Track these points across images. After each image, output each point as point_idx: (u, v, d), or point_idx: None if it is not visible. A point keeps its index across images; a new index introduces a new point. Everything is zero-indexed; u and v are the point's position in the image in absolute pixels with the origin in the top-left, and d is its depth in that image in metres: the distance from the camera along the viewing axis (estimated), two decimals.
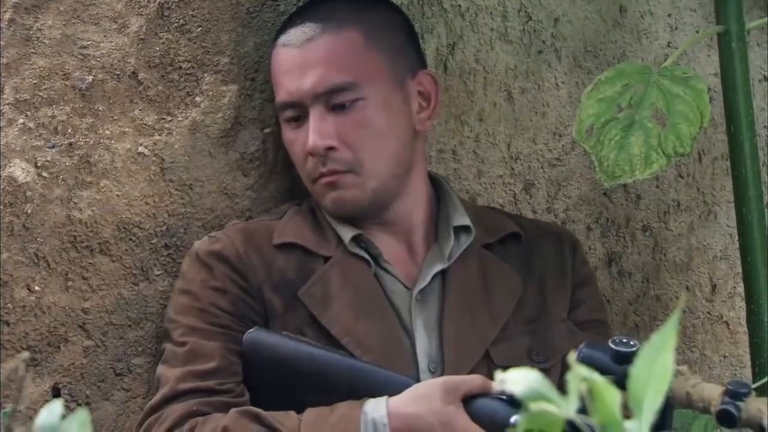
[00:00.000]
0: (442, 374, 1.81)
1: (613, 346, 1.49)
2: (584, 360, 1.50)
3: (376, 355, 1.79)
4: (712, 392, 1.38)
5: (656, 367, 0.88)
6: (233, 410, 1.70)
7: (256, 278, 1.82)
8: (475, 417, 1.68)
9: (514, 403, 1.66)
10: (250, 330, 1.77)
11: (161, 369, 1.80)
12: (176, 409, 1.74)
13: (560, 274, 1.93)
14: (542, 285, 1.91)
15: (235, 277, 1.82)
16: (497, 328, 1.85)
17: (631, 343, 1.50)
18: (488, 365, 1.82)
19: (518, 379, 0.92)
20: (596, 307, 1.95)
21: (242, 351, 1.77)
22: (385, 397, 1.68)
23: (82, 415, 0.92)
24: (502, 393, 1.68)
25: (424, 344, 1.83)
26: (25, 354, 1.76)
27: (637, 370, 0.89)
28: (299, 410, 1.72)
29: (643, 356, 0.89)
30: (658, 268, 2.29)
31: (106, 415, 1.87)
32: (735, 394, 1.46)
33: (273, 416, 1.69)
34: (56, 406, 0.90)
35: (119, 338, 1.90)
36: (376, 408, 1.66)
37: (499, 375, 0.94)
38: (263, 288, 1.82)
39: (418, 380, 1.79)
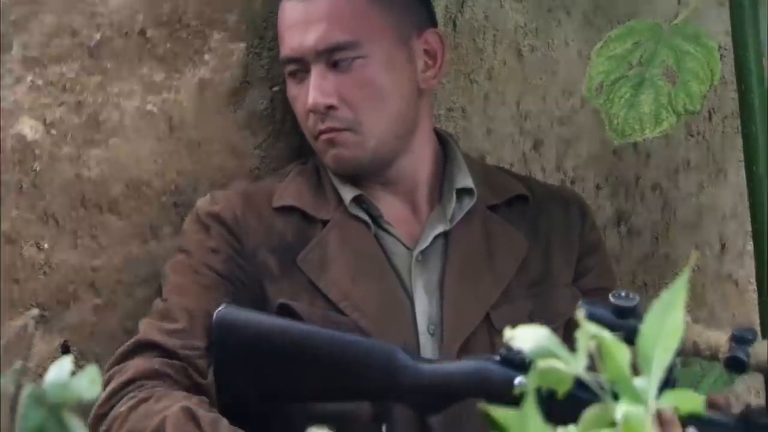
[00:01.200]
0: (441, 336, 1.80)
1: (614, 301, 1.49)
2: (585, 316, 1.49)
3: (374, 318, 1.79)
4: (718, 339, 1.38)
5: (666, 324, 0.88)
6: (179, 405, 1.68)
7: (251, 241, 1.81)
8: (468, 382, 1.67)
9: (509, 364, 1.65)
10: (220, 307, 1.74)
11: (145, 318, 1.81)
12: (138, 364, 1.74)
13: (567, 239, 1.91)
14: (547, 249, 1.90)
15: (230, 239, 1.81)
16: (499, 290, 1.84)
17: (631, 296, 1.50)
18: (488, 328, 1.81)
19: (527, 336, 0.92)
20: (604, 275, 1.93)
21: (213, 328, 1.74)
22: None
23: (91, 371, 0.92)
24: (495, 355, 1.68)
25: (424, 306, 1.82)
26: (34, 311, 1.76)
27: (646, 327, 0.89)
28: (277, 389, 1.72)
29: (653, 313, 0.88)
30: (667, 227, 2.29)
31: None
32: (742, 339, 1.46)
33: (209, 425, 1.67)
34: (66, 363, 0.91)
35: (129, 296, 1.91)
36: None
37: (507, 332, 0.94)
38: (259, 251, 1.81)
39: (417, 343, 1.78)
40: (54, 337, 1.86)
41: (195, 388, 1.76)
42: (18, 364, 0.96)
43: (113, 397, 1.72)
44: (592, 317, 1.44)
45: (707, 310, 2.30)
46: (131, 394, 1.72)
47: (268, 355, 1.72)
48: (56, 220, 1.85)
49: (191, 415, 1.67)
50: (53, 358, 1.77)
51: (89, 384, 0.90)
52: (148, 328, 1.78)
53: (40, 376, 0.95)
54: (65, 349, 1.86)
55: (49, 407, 0.88)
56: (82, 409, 0.93)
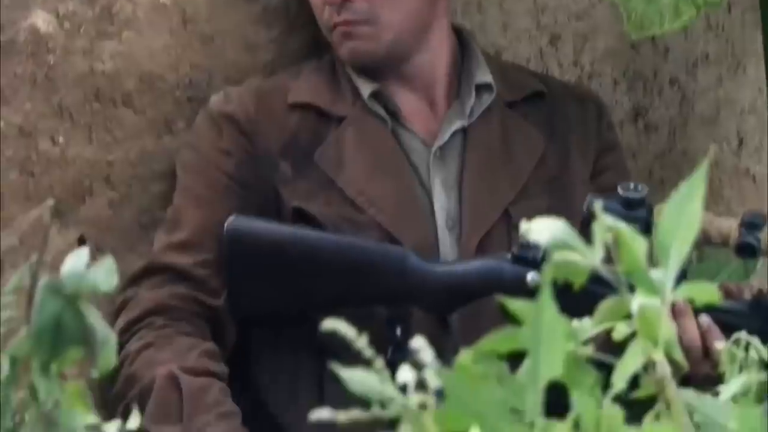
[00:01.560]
0: (459, 232, 1.80)
1: (623, 193, 1.49)
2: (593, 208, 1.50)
3: (392, 213, 1.78)
4: (729, 226, 1.38)
5: (684, 216, 0.88)
6: (168, 370, 1.70)
7: (264, 143, 1.80)
8: (480, 281, 1.67)
9: (521, 262, 1.65)
10: (230, 219, 1.74)
11: (158, 231, 1.82)
12: (149, 299, 1.76)
13: (584, 137, 1.91)
14: (565, 145, 1.89)
15: (243, 141, 1.80)
16: (517, 187, 1.84)
17: (639, 188, 1.50)
18: (507, 224, 1.81)
19: (543, 228, 0.92)
20: (620, 174, 1.93)
21: (224, 240, 1.74)
22: None
23: (108, 263, 0.93)
24: (506, 254, 1.68)
25: (442, 201, 1.82)
26: (50, 201, 1.77)
27: (665, 219, 0.88)
28: (291, 299, 1.72)
29: (672, 205, 0.88)
30: (685, 122, 2.28)
31: (132, 268, 1.88)
32: (752, 225, 1.46)
33: (189, 399, 1.69)
34: (83, 253, 0.91)
35: (144, 191, 1.91)
36: None
37: (524, 224, 0.94)
38: (272, 153, 1.80)
39: (436, 238, 1.78)
40: (70, 231, 1.87)
41: (207, 314, 1.76)
42: (34, 257, 0.96)
43: (124, 334, 1.74)
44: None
45: (724, 206, 2.29)
46: (140, 334, 1.74)
47: (280, 264, 1.72)
48: (70, 114, 1.85)
49: (175, 384, 1.69)
50: (70, 252, 1.78)
51: (106, 275, 0.90)
52: (158, 247, 1.79)
53: (57, 270, 0.95)
54: (81, 244, 1.87)
55: (66, 298, 0.89)
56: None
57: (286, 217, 1.78)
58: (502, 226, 1.80)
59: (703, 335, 1.61)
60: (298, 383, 1.77)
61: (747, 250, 1.50)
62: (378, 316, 1.70)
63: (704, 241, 1.39)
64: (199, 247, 1.77)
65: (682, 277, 0.91)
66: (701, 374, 1.56)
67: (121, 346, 1.73)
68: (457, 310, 1.73)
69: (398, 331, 1.70)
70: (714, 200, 2.28)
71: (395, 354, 1.66)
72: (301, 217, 1.78)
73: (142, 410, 1.67)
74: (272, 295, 1.74)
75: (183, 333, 1.75)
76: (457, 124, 1.85)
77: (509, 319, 0.89)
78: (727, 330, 1.58)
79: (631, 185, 1.53)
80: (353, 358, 0.91)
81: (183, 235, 1.78)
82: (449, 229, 1.81)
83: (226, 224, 1.73)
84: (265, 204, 1.79)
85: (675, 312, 1.55)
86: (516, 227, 1.75)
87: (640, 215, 1.48)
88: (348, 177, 1.80)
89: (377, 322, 1.68)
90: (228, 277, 1.75)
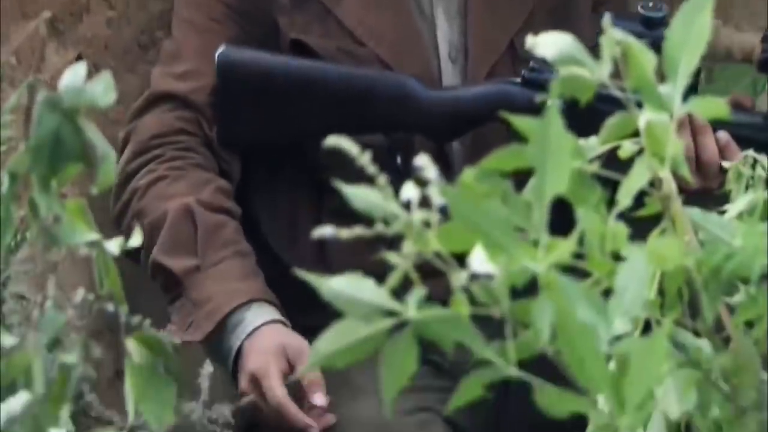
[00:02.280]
0: (464, 63, 1.77)
1: (642, 11, 1.46)
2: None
3: (392, 45, 1.75)
4: (751, 41, 1.36)
5: (694, 28, 0.86)
6: (183, 201, 1.68)
7: None
8: (486, 105, 1.65)
9: (531, 86, 1.64)
10: (221, 48, 1.70)
11: (155, 66, 1.79)
12: (153, 123, 1.73)
13: None
14: None
15: None
16: (522, 17, 1.80)
17: (660, 6, 1.47)
18: (512, 56, 1.77)
19: (550, 42, 0.90)
20: (620, 7, 1.89)
21: (216, 71, 1.70)
22: (261, 327, 1.65)
23: (106, 77, 0.91)
24: (515, 78, 1.66)
25: (445, 32, 1.78)
26: (46, 13, 1.74)
27: (673, 32, 0.87)
28: (284, 129, 1.71)
29: (680, 17, 0.86)
30: None
31: (131, 88, 1.87)
32: None
33: (204, 233, 1.68)
34: (81, 68, 0.89)
35: (142, 9, 1.89)
36: (256, 316, 1.65)
37: (530, 39, 0.92)
38: None
39: (439, 70, 1.76)
40: (68, 51, 1.85)
41: (206, 144, 1.74)
42: (31, 75, 0.95)
43: (132, 162, 1.72)
44: (619, 27, 1.42)
45: (734, 26, 2.27)
46: (150, 166, 1.72)
47: (273, 93, 1.69)
48: None
49: (191, 217, 1.68)
50: None
51: (104, 89, 0.89)
52: (158, 77, 1.76)
53: (55, 90, 0.94)
54: None
55: (64, 112, 0.88)
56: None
57: (285, 50, 1.75)
58: (507, 57, 1.77)
59: (722, 151, 1.61)
60: (296, 221, 1.77)
61: None
62: (377, 145, 1.69)
63: (725, 58, 1.37)
64: (199, 75, 1.74)
65: (692, 93, 0.89)
66: (714, 188, 1.57)
67: (130, 176, 1.72)
68: (461, 135, 1.72)
69: (399, 160, 1.69)
70: (723, 19, 2.25)
71: (395, 183, 1.65)
72: (299, 49, 1.75)
73: (151, 244, 1.67)
74: (265, 125, 1.72)
75: (195, 165, 1.73)
76: None
77: (511, 133, 0.88)
78: (744, 143, 1.58)
79: (651, 3, 1.50)
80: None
81: (183, 65, 1.75)
82: (453, 60, 1.78)
83: (216, 54, 1.70)
84: (266, 36, 1.76)
85: (694, 129, 1.54)
86: (522, 61, 1.72)
87: (661, 35, 1.47)
88: (346, 7, 1.76)
89: (376, 151, 1.67)
90: (219, 106, 1.73)
